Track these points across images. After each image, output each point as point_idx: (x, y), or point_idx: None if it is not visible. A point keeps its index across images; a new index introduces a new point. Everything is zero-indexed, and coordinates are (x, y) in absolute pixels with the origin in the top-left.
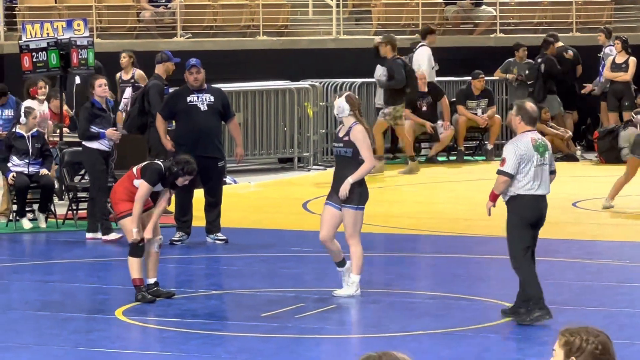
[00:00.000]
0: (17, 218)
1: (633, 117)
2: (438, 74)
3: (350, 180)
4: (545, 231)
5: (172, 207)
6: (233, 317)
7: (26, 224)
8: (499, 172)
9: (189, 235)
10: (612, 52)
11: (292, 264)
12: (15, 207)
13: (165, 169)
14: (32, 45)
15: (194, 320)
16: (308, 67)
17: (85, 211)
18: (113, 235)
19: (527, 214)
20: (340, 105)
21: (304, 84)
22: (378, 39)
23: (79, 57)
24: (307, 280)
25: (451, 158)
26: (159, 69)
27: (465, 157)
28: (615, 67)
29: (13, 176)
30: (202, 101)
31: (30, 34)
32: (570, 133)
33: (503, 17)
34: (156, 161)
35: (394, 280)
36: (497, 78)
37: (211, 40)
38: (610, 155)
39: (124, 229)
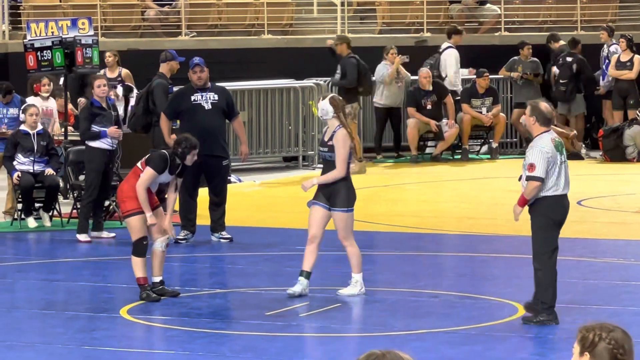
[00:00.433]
0: (22, 217)
1: (638, 115)
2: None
3: (314, 180)
4: None
5: (176, 206)
6: (238, 315)
7: (31, 222)
8: (531, 179)
9: (193, 234)
10: (618, 51)
11: (297, 263)
12: (20, 206)
13: (170, 155)
14: (36, 44)
15: (199, 319)
16: (313, 65)
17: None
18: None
19: (554, 215)
20: (324, 107)
21: (309, 82)
22: (331, 40)
23: (84, 55)
24: (311, 279)
25: (456, 156)
26: (164, 68)
27: (469, 156)
28: (620, 65)
29: (18, 176)
30: (206, 100)
31: (35, 33)
32: (575, 132)
33: (508, 15)
34: (160, 150)
35: (398, 279)
36: (502, 76)
37: (216, 39)
38: (615, 153)
39: (129, 227)
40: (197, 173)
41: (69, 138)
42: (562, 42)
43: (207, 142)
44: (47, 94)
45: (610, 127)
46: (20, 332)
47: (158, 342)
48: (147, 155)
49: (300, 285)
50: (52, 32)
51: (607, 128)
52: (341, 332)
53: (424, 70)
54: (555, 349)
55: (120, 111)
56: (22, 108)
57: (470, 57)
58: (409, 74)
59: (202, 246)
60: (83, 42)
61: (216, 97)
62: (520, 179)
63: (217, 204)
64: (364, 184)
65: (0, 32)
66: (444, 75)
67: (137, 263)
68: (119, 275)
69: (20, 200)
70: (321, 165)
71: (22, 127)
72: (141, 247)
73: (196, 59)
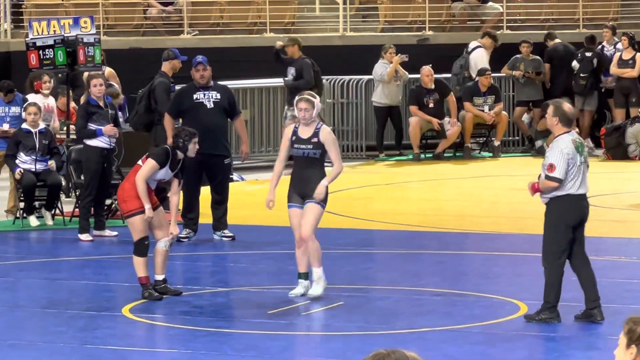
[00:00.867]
0: (24, 215)
1: None
2: (444, 71)
3: (325, 183)
4: None
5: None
6: (240, 314)
7: (33, 221)
8: (550, 179)
9: (195, 233)
10: (621, 49)
11: None
12: (22, 205)
13: (170, 148)
14: (38, 43)
15: (201, 318)
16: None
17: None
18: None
19: (567, 215)
20: (318, 105)
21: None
22: (280, 42)
23: (86, 54)
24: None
25: (458, 155)
26: (166, 67)
27: (472, 154)
28: (622, 63)
29: (20, 172)
30: (208, 98)
31: (37, 32)
32: (577, 129)
33: (509, 13)
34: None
35: (400, 277)
36: (504, 75)
37: (218, 37)
38: (617, 151)
39: (131, 227)
40: (199, 172)
41: (71, 136)
42: (557, 40)
43: (209, 140)
44: (48, 91)
45: (613, 126)
46: (22, 331)
47: (160, 340)
48: (148, 152)
49: (302, 287)
50: (54, 31)
51: (609, 126)
52: (343, 330)
53: (426, 69)
54: (557, 347)
55: None
56: (23, 107)
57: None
58: (407, 73)
59: (204, 245)
60: (85, 40)
61: (218, 95)
62: (539, 178)
63: (219, 203)
64: (366, 182)
65: (3, 30)
66: (473, 76)
67: (138, 263)
68: (121, 274)
69: (22, 199)
70: (326, 164)
71: (24, 125)
72: (143, 247)
73: (199, 58)
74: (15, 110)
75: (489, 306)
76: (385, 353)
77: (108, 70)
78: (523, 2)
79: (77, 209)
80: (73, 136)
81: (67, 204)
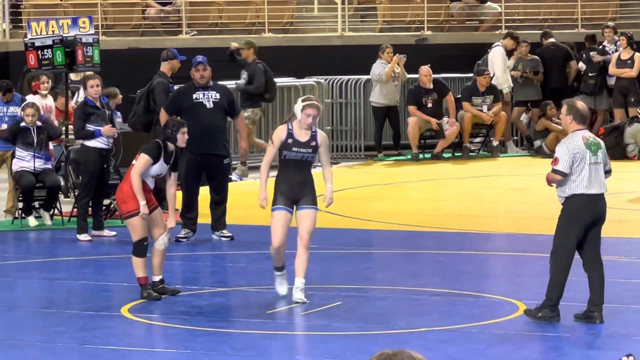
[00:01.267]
0: (23, 216)
1: (639, 113)
2: (443, 71)
3: (332, 186)
4: (549, 228)
5: (178, 205)
6: (239, 314)
7: (32, 221)
8: (554, 172)
9: (194, 233)
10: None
11: None
12: (20, 205)
13: (162, 142)
14: (37, 43)
15: (200, 318)
16: (313, 64)
17: (90, 209)
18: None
19: (579, 214)
20: (321, 109)
21: (309, 80)
22: (235, 44)
23: (85, 54)
24: (312, 277)
25: (457, 155)
26: (164, 67)
27: (470, 154)
28: (621, 63)
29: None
30: (207, 98)
31: (36, 32)
32: None
33: (508, 13)
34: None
35: (400, 277)
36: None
37: (216, 38)
38: (616, 151)
39: (130, 228)
40: (198, 171)
41: (70, 136)
42: (551, 40)
43: (208, 140)
44: (46, 92)
45: (611, 125)
46: (21, 331)
47: (159, 340)
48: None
49: (284, 278)
50: (53, 31)
51: (607, 126)
52: (342, 330)
53: (425, 69)
54: (556, 347)
55: None
56: (22, 106)
57: (470, 55)
58: (406, 73)
59: (203, 245)
60: (84, 40)
61: (218, 95)
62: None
63: (218, 203)
64: (365, 182)
65: (1, 31)
66: (492, 74)
67: (137, 263)
68: (119, 274)
69: (20, 199)
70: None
71: (22, 124)
72: (141, 248)
73: (199, 58)
74: (13, 110)
75: (488, 306)
76: (392, 353)
77: (89, 73)
78: (521, 1)
79: (75, 209)
80: (72, 136)
81: (66, 204)
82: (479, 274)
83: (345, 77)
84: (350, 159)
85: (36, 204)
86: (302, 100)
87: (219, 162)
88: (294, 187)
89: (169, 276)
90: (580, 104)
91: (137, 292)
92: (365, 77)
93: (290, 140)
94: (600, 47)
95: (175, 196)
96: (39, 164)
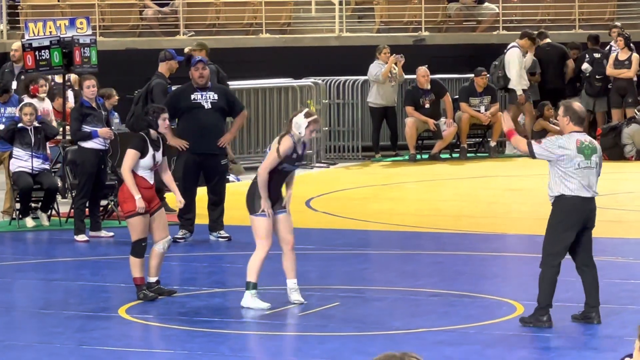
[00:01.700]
0: (20, 217)
1: (636, 113)
2: (440, 71)
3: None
4: None
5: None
6: (236, 314)
7: (29, 222)
8: (528, 144)
9: (192, 233)
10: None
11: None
12: (18, 206)
13: (144, 133)
14: (34, 44)
15: (198, 318)
16: (311, 64)
17: (87, 209)
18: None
19: (567, 217)
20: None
21: (307, 81)
22: (189, 48)
23: (82, 55)
24: (310, 277)
25: (454, 155)
26: (162, 68)
27: (468, 155)
28: (619, 64)
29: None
30: (205, 99)
31: (33, 33)
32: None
33: (506, 14)
34: None
35: (397, 278)
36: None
37: (214, 38)
38: (614, 152)
39: (130, 227)
40: (195, 172)
41: (67, 137)
42: (547, 40)
43: (206, 141)
44: (44, 95)
45: (609, 126)
46: (19, 332)
47: (157, 341)
48: None
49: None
50: (50, 32)
51: (605, 127)
52: (340, 331)
53: (422, 69)
54: (554, 348)
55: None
56: (19, 107)
57: (468, 55)
58: (403, 74)
59: (200, 245)
60: (81, 41)
61: (216, 96)
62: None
63: (216, 203)
64: (363, 182)
65: None
66: (508, 76)
67: (135, 263)
68: (117, 275)
69: (18, 200)
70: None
71: (20, 124)
72: (140, 248)
73: (198, 57)
74: (10, 111)
75: (486, 307)
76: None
77: (74, 76)
78: (519, 2)
79: (72, 210)
80: (69, 137)
81: (64, 205)
82: (476, 274)
83: (343, 78)
84: (348, 160)
85: (33, 205)
86: (305, 116)
87: (217, 162)
88: (275, 194)
89: (166, 277)
90: (577, 104)
91: (134, 293)
92: (362, 77)
93: (294, 155)
94: (607, 47)
95: (172, 179)
96: (37, 163)
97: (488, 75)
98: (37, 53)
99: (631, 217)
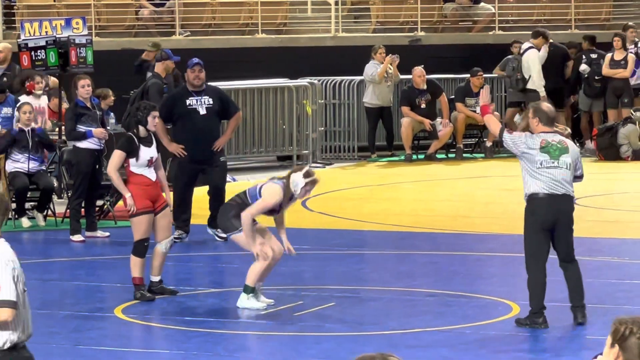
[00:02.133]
0: (16, 217)
1: (632, 114)
2: (436, 71)
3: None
4: None
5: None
6: (233, 314)
7: (25, 222)
8: (501, 130)
9: (188, 234)
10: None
11: (291, 262)
12: (14, 206)
13: (132, 133)
14: (30, 44)
15: (194, 318)
16: (307, 64)
17: (83, 210)
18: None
19: (533, 217)
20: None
21: (303, 81)
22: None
23: (78, 55)
24: (306, 277)
25: (450, 155)
26: (158, 68)
27: (464, 155)
28: (614, 64)
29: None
30: (201, 104)
31: (29, 33)
32: (569, 130)
33: (501, 14)
34: None
35: (393, 278)
36: (496, 75)
37: (210, 38)
38: (610, 152)
39: (133, 227)
40: (191, 176)
41: (63, 137)
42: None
43: (203, 146)
44: (41, 92)
45: (605, 126)
46: None
47: (153, 341)
48: None
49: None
50: (46, 32)
51: (601, 127)
52: (336, 331)
53: (418, 69)
54: (549, 348)
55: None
56: (16, 106)
57: (464, 56)
58: (399, 74)
59: (196, 246)
60: (77, 41)
61: (211, 100)
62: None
63: (219, 201)
64: (358, 183)
65: None
66: (527, 77)
67: (135, 263)
68: (113, 275)
69: (14, 200)
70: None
71: (18, 124)
72: (141, 248)
73: (195, 59)
74: (7, 110)
75: (482, 307)
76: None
77: (53, 79)
78: (515, 2)
79: (68, 210)
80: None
81: (59, 205)
82: (472, 274)
83: (339, 78)
84: (344, 160)
85: (28, 204)
86: (304, 176)
87: (215, 160)
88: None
89: (163, 277)
90: (546, 105)
91: (131, 293)
92: (358, 77)
93: (278, 208)
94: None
95: (165, 177)
96: (34, 165)
97: (484, 75)
98: (32, 53)
99: (627, 218)
